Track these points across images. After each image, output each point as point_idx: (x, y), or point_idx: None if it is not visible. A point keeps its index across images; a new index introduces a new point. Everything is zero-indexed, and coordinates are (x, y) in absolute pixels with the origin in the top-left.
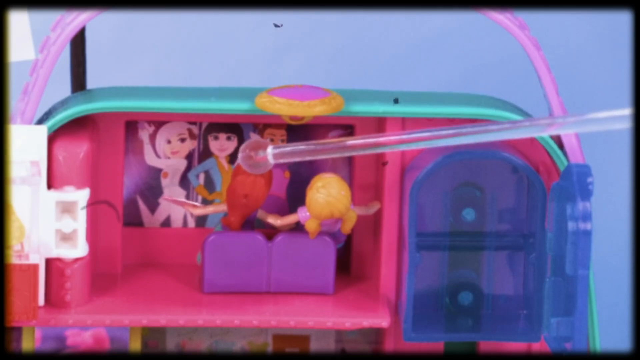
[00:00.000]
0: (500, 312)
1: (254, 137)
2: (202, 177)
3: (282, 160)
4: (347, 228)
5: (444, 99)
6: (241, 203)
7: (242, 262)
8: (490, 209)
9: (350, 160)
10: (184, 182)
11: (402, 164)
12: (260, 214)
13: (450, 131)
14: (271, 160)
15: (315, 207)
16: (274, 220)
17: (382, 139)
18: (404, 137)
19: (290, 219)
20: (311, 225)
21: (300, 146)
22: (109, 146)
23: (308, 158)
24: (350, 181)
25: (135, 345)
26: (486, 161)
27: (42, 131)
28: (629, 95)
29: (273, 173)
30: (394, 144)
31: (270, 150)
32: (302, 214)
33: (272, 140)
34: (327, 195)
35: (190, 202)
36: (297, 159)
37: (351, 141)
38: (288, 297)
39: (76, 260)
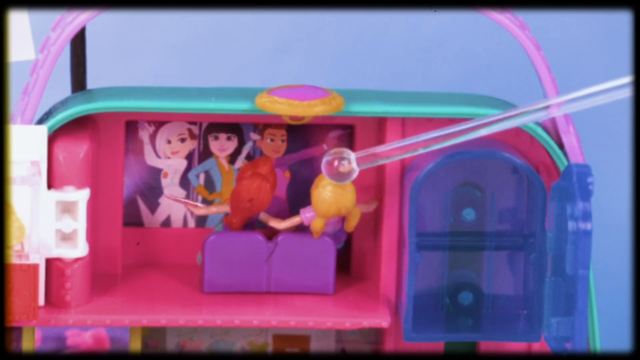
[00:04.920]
0: (501, 312)
1: (254, 136)
2: (202, 177)
3: (367, 165)
4: (351, 225)
5: (444, 99)
6: (245, 207)
7: (242, 262)
8: (490, 209)
9: None
10: (184, 182)
11: (402, 164)
12: (263, 216)
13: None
14: (355, 167)
15: (323, 205)
16: (276, 224)
17: (457, 129)
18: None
19: (292, 221)
20: (317, 225)
21: (381, 147)
22: (109, 146)
23: (392, 159)
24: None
25: (135, 345)
26: (486, 161)
27: (42, 131)
28: (629, 96)
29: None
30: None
31: (353, 156)
32: (305, 215)
33: (272, 140)
34: (334, 192)
35: (192, 202)
36: (381, 161)
37: (432, 134)
38: (288, 297)
39: (76, 260)
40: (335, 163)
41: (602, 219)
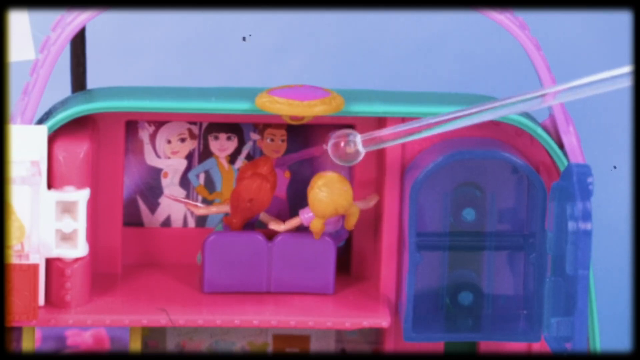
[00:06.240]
0: (501, 312)
1: (254, 136)
2: (202, 177)
3: (372, 147)
4: (350, 224)
5: (444, 99)
6: (245, 207)
7: (242, 262)
8: (490, 209)
9: None
10: (184, 182)
11: (402, 164)
12: (263, 216)
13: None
14: (361, 149)
15: (319, 206)
16: (276, 226)
17: (461, 113)
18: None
19: (292, 223)
20: (316, 225)
21: (387, 130)
22: (109, 146)
23: (399, 141)
24: (351, 180)
25: (135, 345)
26: (486, 161)
27: (42, 131)
28: (629, 96)
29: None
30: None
31: (359, 138)
32: (304, 216)
33: (272, 140)
34: (330, 192)
35: (192, 202)
36: (387, 144)
37: (435, 119)
38: (288, 297)
39: (76, 260)
40: (342, 144)
41: (602, 219)
